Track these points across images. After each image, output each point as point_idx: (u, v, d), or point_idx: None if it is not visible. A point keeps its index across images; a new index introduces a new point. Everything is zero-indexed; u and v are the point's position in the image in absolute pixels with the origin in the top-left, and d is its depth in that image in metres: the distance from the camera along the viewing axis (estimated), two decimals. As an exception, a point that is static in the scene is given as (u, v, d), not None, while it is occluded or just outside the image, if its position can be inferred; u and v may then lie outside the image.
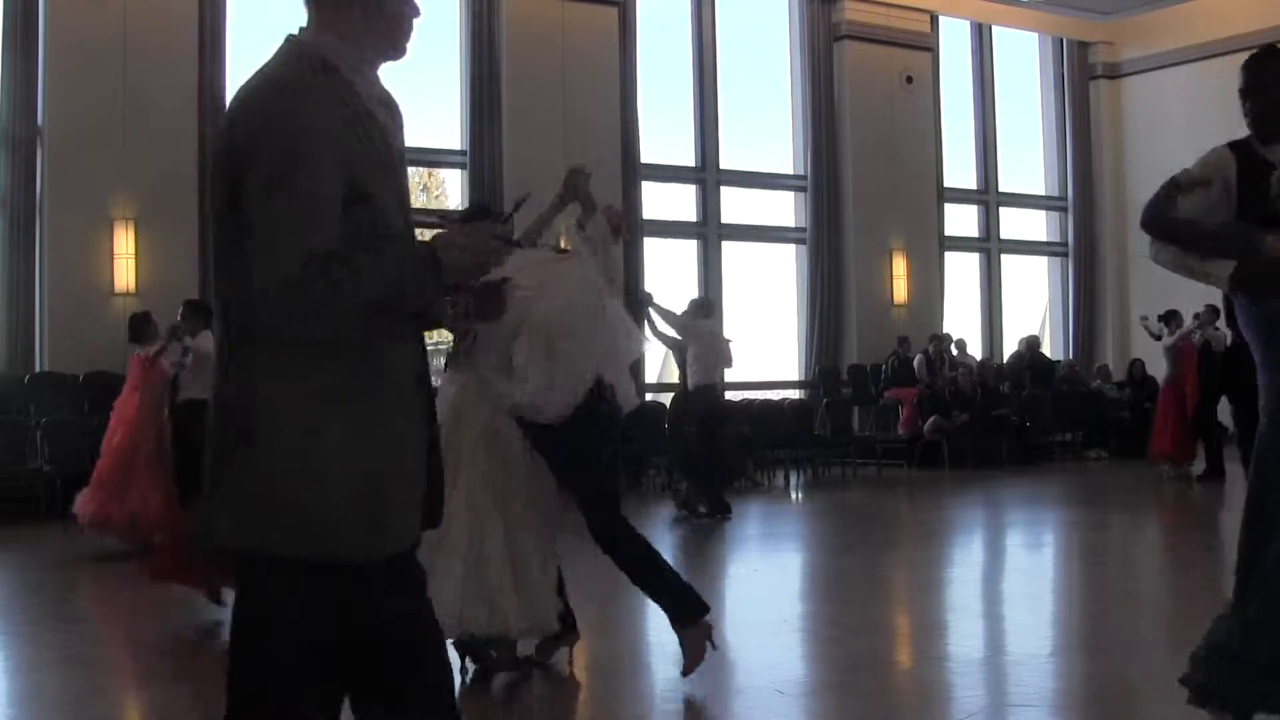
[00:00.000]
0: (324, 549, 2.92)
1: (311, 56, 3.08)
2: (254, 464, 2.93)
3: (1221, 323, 18.13)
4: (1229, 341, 17.26)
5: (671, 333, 14.70)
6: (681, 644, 6.59)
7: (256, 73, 3.12)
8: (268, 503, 2.91)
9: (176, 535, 8.54)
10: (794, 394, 21.62)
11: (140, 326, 13.00)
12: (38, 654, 7.88)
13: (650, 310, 14.39)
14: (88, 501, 12.13)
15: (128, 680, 7.60)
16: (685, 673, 6.50)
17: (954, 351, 21.73)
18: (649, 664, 7.52)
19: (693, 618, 6.61)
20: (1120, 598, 9.43)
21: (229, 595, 8.47)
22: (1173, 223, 5.34)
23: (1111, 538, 13.14)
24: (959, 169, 24.78)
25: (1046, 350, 25.08)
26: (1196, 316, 17.96)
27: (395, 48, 3.24)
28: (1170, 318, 18.38)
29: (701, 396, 14.69)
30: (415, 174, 23.38)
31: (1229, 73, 21.39)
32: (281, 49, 3.15)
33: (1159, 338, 18.60)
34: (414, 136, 20.02)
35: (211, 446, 3.01)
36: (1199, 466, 17.80)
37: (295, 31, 3.19)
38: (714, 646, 6.66)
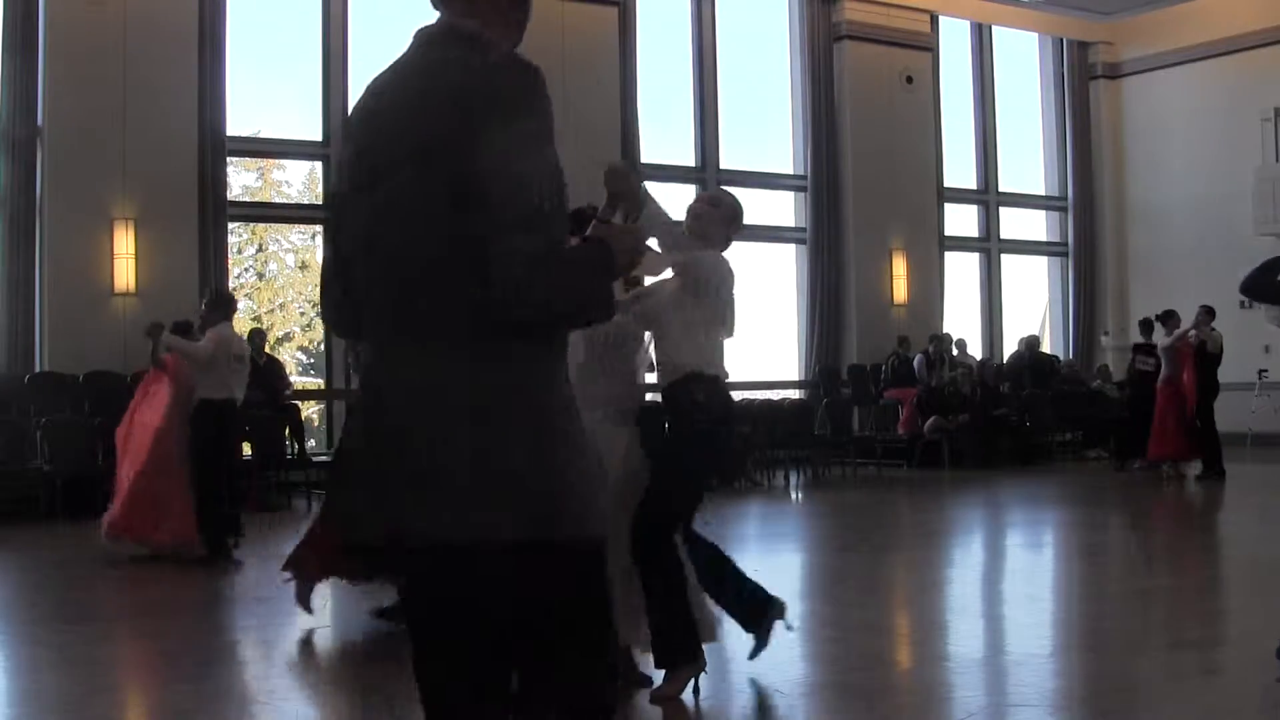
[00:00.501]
0: (557, 531, 2.91)
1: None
2: (484, 454, 2.90)
3: (1218, 324, 18.17)
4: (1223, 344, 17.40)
5: None
6: (665, 676, 6.35)
7: (441, 62, 3.05)
8: (502, 491, 2.89)
9: (312, 536, 8.40)
10: (794, 394, 21.63)
11: (185, 323, 12.64)
12: (38, 654, 7.89)
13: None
14: (122, 517, 11.59)
15: (128, 680, 7.61)
16: (651, 700, 6.28)
17: (954, 351, 21.72)
18: (647, 662, 7.52)
19: (678, 660, 6.27)
20: (1120, 597, 9.44)
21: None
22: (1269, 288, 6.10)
23: (1111, 538, 13.15)
24: (959, 169, 24.78)
25: (1046, 350, 25.09)
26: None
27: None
28: (1168, 318, 18.38)
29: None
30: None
31: (1229, 73, 21.44)
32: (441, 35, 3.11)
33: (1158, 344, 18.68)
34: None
35: (408, 440, 2.92)
36: (1197, 466, 17.84)
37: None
38: (694, 695, 6.39)
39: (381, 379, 3.00)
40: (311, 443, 18.38)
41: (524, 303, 2.82)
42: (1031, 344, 23.85)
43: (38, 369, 16.35)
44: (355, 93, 14.36)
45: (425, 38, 3.10)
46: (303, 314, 28.12)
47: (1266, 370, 22.22)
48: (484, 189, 2.84)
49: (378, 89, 3.10)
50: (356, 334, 3.20)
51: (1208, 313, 18.10)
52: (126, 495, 11.60)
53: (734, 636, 7.82)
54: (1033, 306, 26.79)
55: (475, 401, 2.89)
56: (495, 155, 2.85)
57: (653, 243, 6.02)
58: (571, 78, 19.76)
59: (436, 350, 2.92)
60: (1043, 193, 26.38)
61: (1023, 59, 26.41)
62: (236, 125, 18.13)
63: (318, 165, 19.38)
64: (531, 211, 2.85)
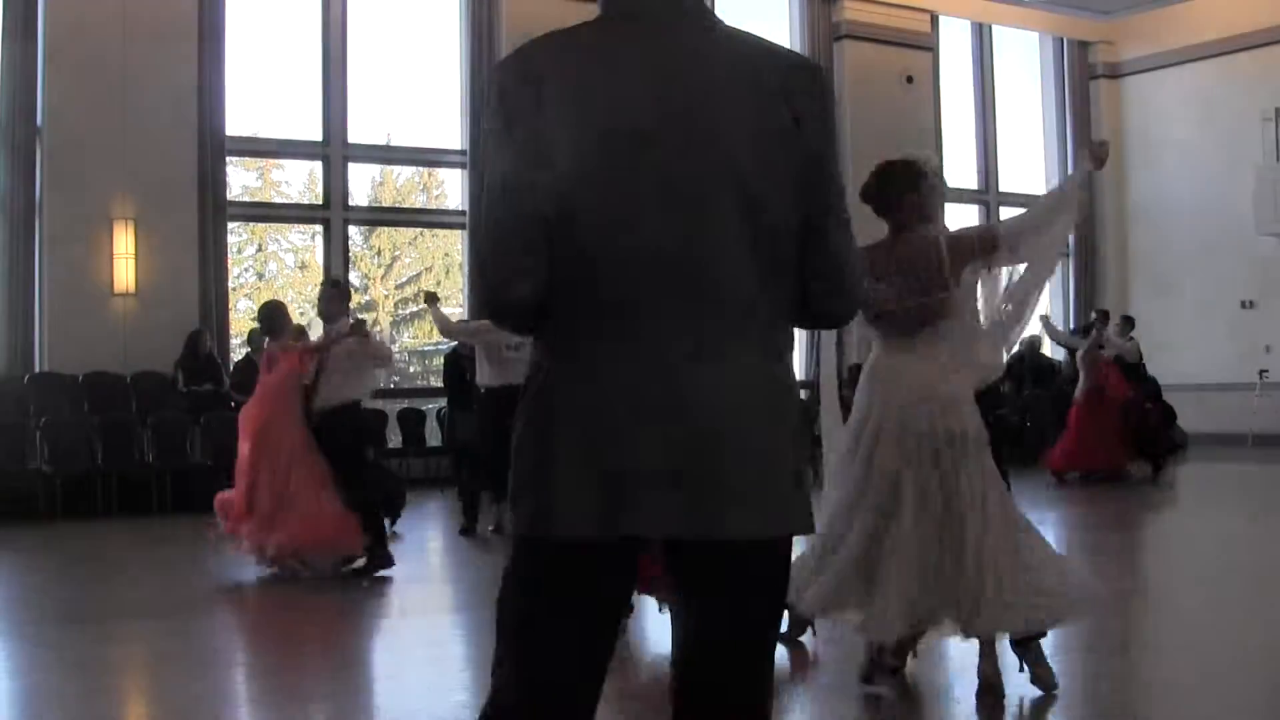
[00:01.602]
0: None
1: None
2: (802, 451, 2.91)
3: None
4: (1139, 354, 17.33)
5: None
6: None
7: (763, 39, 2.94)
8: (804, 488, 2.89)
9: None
10: (794, 394, 21.60)
11: (276, 316, 11.40)
12: (38, 654, 7.88)
13: None
14: (242, 525, 10.52)
15: (129, 682, 7.60)
16: None
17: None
18: (639, 667, 7.52)
19: None
20: (1120, 597, 9.42)
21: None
22: None
23: (1111, 537, 13.14)
24: (960, 169, 24.79)
25: (1047, 350, 25.07)
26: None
27: None
28: (1089, 329, 18.42)
29: None
30: (415, 173, 23.36)
31: (1229, 72, 21.46)
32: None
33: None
34: (414, 136, 20.15)
35: (774, 435, 2.83)
36: (1139, 473, 17.95)
37: None
38: None
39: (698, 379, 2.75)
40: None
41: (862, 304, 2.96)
42: (1032, 344, 23.82)
43: (38, 369, 16.35)
44: (355, 93, 14.23)
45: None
46: (303, 314, 28.08)
47: (1267, 370, 22.23)
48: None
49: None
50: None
51: (1125, 322, 17.96)
52: (240, 503, 10.56)
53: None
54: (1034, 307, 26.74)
55: (780, 404, 2.87)
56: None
57: None
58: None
59: (757, 354, 2.82)
60: (1043, 192, 26.33)
61: (1023, 58, 26.42)
62: (236, 125, 18.16)
63: (318, 165, 19.38)
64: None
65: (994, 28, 25.36)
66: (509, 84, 2.89)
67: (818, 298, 2.90)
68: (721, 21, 2.88)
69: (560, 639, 2.80)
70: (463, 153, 19.66)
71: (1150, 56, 25.67)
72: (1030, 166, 26.34)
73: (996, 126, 25.36)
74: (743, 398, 2.76)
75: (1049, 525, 14.35)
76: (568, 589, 2.79)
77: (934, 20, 24.12)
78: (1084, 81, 26.24)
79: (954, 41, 24.93)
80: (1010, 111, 25.74)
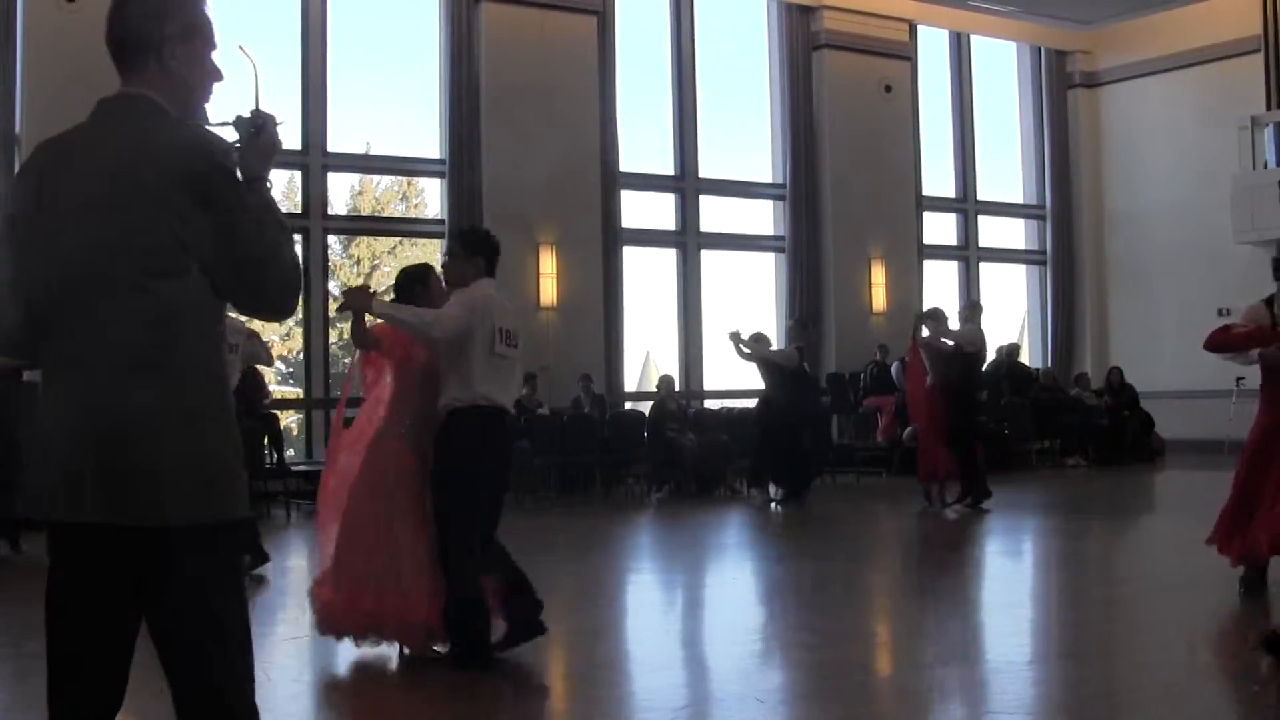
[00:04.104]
0: None
1: None
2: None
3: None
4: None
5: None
6: None
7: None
8: None
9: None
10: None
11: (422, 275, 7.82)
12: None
13: None
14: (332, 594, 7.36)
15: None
16: None
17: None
18: (628, 672, 7.52)
19: None
20: (1099, 605, 9.46)
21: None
22: None
23: (1090, 545, 13.18)
24: (938, 177, 24.88)
25: (1025, 358, 25.16)
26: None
27: None
28: (929, 317, 15.95)
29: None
30: (394, 182, 23.33)
31: (1206, 82, 21.53)
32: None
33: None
34: (393, 145, 20.10)
35: None
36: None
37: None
38: None
39: None
40: (290, 452, 18.32)
41: None
42: (1011, 352, 23.89)
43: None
44: (335, 101, 14.20)
45: None
46: (283, 324, 28.06)
47: (1244, 378, 22.27)
48: None
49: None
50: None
51: (972, 308, 15.96)
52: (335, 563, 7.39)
53: (712, 644, 7.83)
54: (1011, 314, 26.88)
55: None
56: None
57: None
58: (551, 86, 19.79)
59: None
60: (1021, 201, 26.48)
61: (1001, 68, 26.54)
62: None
63: (296, 174, 19.35)
64: None
65: (972, 37, 25.46)
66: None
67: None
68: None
69: None
70: (442, 162, 19.64)
71: (1128, 66, 25.78)
72: (1008, 175, 26.43)
73: (975, 135, 25.43)
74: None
75: (1026, 533, 14.40)
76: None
77: (913, 30, 24.19)
78: (1062, 91, 26.34)
79: (933, 51, 25.02)
80: (988, 120, 25.84)
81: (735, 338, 16.98)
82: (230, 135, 3.41)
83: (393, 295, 7.73)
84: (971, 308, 15.89)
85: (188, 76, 3.43)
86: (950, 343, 15.28)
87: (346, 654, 7.51)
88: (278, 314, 3.46)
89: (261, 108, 3.51)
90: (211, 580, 3.23)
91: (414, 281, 7.67)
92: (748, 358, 17.23)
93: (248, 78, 3.71)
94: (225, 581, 3.28)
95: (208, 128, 3.40)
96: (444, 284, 7.59)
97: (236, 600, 3.32)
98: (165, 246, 3.16)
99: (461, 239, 7.85)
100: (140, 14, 3.35)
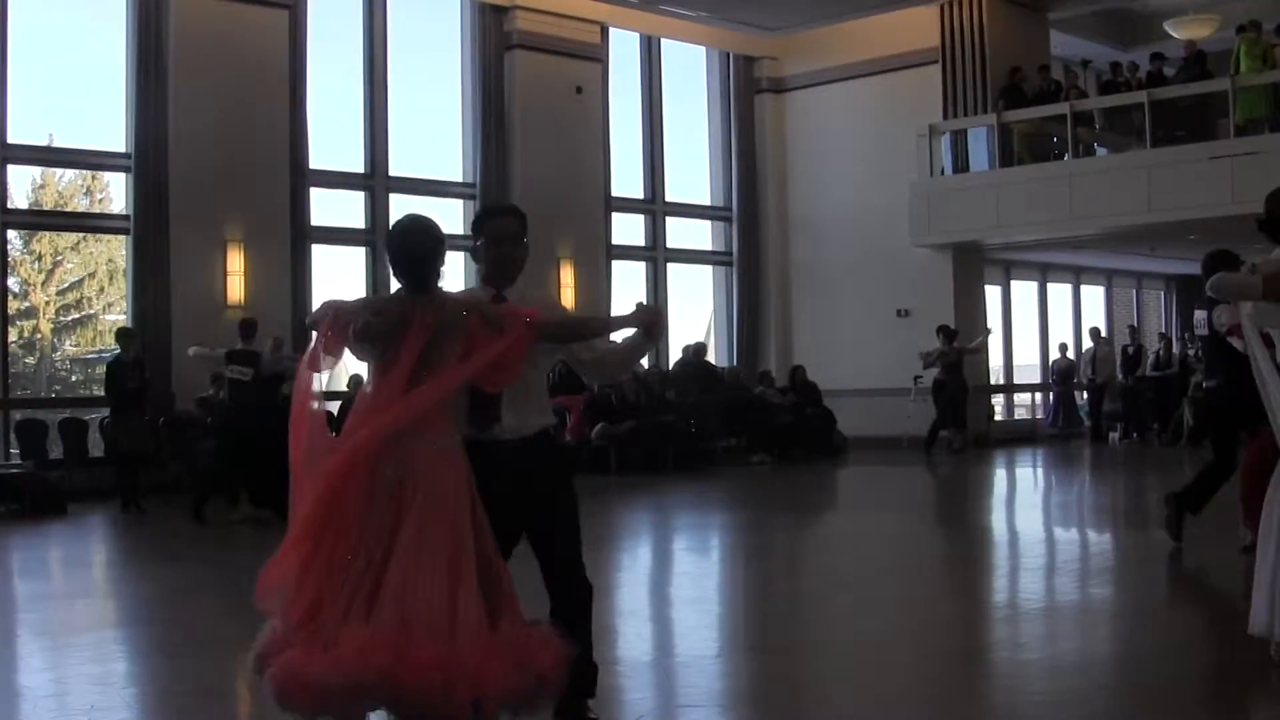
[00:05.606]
0: None
1: None
2: None
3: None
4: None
5: None
6: None
7: None
8: None
9: None
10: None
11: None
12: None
13: None
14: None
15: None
16: None
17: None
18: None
19: None
20: (783, 598, 9.64)
21: None
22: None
23: (775, 539, 13.42)
24: (627, 179, 25.10)
25: (712, 357, 25.56)
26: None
27: None
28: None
29: None
30: (78, 176, 22.47)
31: (886, 90, 22.32)
32: None
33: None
34: (77, 137, 19.32)
35: None
36: None
37: None
38: None
39: None
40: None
41: None
42: (698, 351, 24.24)
43: None
44: (16, 91, 13.77)
45: None
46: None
47: (921, 376, 23.07)
48: None
49: None
50: None
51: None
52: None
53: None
54: (699, 314, 27.30)
55: None
56: None
57: None
58: (240, 80, 19.39)
59: None
60: (709, 203, 26.90)
61: (691, 72, 26.89)
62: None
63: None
64: None
65: (663, 41, 25.76)
66: None
67: None
68: None
69: None
70: (127, 155, 19.02)
71: (814, 73, 26.45)
72: (697, 177, 26.81)
73: (664, 138, 25.75)
74: None
75: (713, 529, 14.60)
76: None
77: (604, 32, 24.37)
78: (749, 95, 26.87)
79: (623, 54, 25.23)
80: (677, 123, 26.18)
81: None
82: None
83: None
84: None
85: None
86: None
87: None
88: None
89: None
90: None
91: None
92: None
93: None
94: None
95: None
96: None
97: None
98: None
99: (520, 218, 6.32)
100: None
